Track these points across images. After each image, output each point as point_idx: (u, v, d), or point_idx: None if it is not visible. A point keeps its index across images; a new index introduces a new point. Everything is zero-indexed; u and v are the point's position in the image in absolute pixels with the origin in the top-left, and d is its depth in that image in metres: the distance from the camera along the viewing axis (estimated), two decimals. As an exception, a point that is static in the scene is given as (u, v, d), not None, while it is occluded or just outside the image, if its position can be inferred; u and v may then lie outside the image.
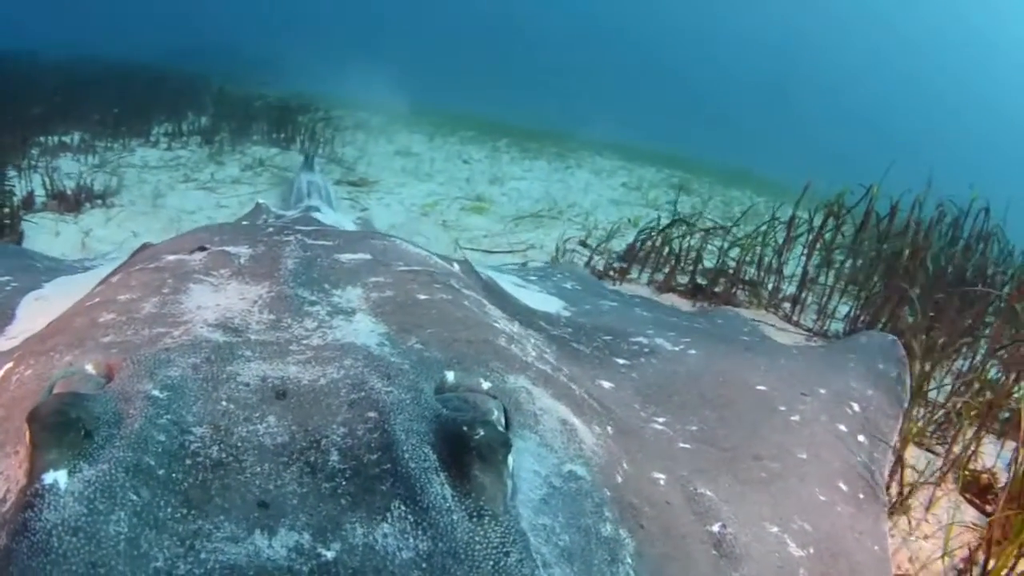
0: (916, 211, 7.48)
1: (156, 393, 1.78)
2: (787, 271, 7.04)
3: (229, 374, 1.92)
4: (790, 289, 6.95)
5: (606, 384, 2.98)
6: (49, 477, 1.52)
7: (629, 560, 1.79)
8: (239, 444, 1.68)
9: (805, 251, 6.98)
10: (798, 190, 7.58)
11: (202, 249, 2.95)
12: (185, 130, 13.14)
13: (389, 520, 1.51)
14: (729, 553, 2.08)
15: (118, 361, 1.97)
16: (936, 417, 4.45)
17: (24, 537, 1.44)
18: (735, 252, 7.19)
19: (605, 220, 9.57)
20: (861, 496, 2.54)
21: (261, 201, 6.24)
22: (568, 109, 25.16)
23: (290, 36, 37.31)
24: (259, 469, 1.63)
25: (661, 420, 2.78)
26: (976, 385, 4.73)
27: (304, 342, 2.15)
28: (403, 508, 1.53)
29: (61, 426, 1.59)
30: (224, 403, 1.80)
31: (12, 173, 8.61)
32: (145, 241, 3.87)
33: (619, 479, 2.06)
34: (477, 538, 1.52)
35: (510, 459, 1.71)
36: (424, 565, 1.45)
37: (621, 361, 3.31)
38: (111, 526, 1.46)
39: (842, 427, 2.94)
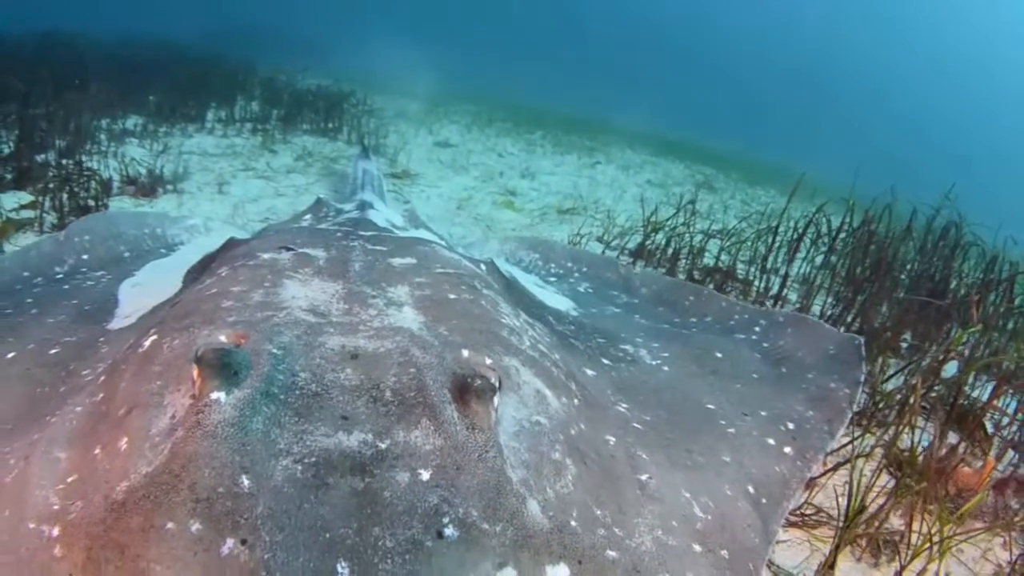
0: (888, 219, 8.25)
1: (275, 351, 2.74)
2: (787, 271, 7.86)
3: (320, 342, 2.88)
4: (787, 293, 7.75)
5: (590, 372, 3.89)
6: (214, 395, 2.48)
7: (570, 478, 2.74)
8: (328, 383, 2.65)
9: (803, 254, 7.84)
10: (826, 190, 8.42)
11: (288, 249, 3.94)
12: (237, 116, 14.11)
13: (419, 428, 2.48)
14: (650, 495, 2.95)
15: (244, 333, 2.91)
16: (878, 403, 5.21)
17: (198, 428, 2.40)
18: (735, 252, 8.04)
19: (625, 217, 10.39)
20: (764, 501, 3.22)
21: (321, 196, 7.13)
22: (606, 100, 25.78)
23: (328, 18, 38.14)
24: (341, 399, 2.59)
25: (624, 405, 3.64)
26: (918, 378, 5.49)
27: (369, 324, 3.12)
28: (427, 422, 2.50)
29: (220, 366, 2.56)
30: (318, 360, 2.76)
31: (85, 159, 9.57)
32: (231, 236, 4.79)
33: (573, 432, 3.00)
34: (471, 440, 2.50)
35: (495, 400, 2.67)
36: (438, 452, 2.43)
37: (606, 361, 4.19)
38: (252, 424, 2.41)
39: (771, 441, 3.62)
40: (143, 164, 9.34)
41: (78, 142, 10.23)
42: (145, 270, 5.31)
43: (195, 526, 2.18)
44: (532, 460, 2.70)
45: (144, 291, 4.63)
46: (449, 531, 2.24)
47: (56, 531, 2.33)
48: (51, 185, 7.73)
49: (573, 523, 2.55)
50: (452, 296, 3.60)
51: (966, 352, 5.65)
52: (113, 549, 2.22)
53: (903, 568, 3.41)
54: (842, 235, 8.20)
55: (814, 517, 4.04)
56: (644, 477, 3.04)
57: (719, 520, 3.00)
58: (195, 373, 2.59)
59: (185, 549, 2.15)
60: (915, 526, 3.90)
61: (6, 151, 9.16)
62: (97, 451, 2.62)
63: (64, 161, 9.21)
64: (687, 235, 8.52)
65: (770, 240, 8.07)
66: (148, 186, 8.87)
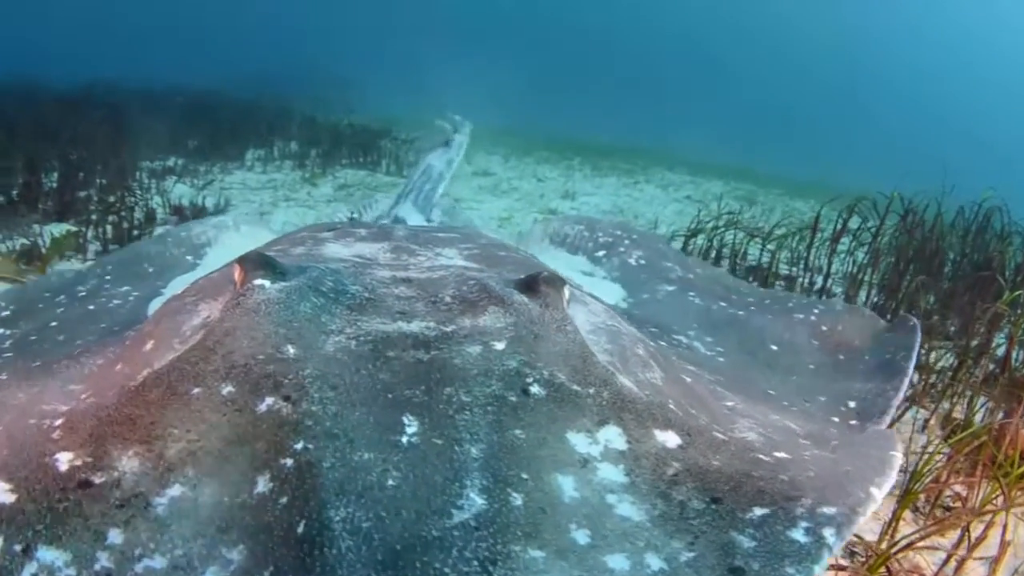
0: (937, 212, 8.15)
1: (323, 268, 2.58)
2: (833, 268, 7.79)
3: (368, 272, 2.75)
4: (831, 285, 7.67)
5: (649, 342, 3.72)
6: (258, 281, 2.35)
7: (657, 375, 2.53)
8: (382, 292, 2.50)
9: (844, 246, 7.71)
10: (867, 198, 8.36)
11: (330, 230, 3.96)
12: (276, 155, 14.28)
13: (487, 314, 2.32)
14: (740, 413, 2.76)
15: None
16: (932, 382, 5.08)
17: (238, 308, 2.26)
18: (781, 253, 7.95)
19: (666, 227, 10.31)
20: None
21: (354, 216, 7.10)
22: (643, 127, 25.83)
23: (368, 61, 38.77)
24: (397, 303, 2.43)
25: (691, 368, 3.44)
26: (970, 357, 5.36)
27: (419, 266, 3.04)
28: (496, 308, 2.33)
29: (264, 262, 2.44)
30: (368, 280, 2.61)
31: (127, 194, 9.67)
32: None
33: (652, 348, 2.82)
34: (546, 315, 2.33)
35: (566, 291, 2.52)
36: (512, 327, 2.26)
37: (662, 343, 3.99)
38: (301, 307, 2.27)
39: (835, 419, 3.44)
40: (185, 198, 9.46)
41: (121, 178, 10.34)
42: (172, 284, 5.01)
43: (226, 389, 2.00)
44: (615, 350, 2.49)
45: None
46: (535, 389, 2.06)
47: (59, 421, 2.13)
48: (94, 217, 7.80)
49: (671, 405, 2.31)
50: (502, 254, 3.53)
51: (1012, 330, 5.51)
52: (123, 423, 2.00)
53: (968, 525, 3.24)
54: (887, 223, 8.12)
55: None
56: (729, 404, 2.85)
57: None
58: (237, 272, 2.46)
59: (212, 411, 1.96)
60: (977, 492, 3.80)
61: (48, 187, 9.28)
62: (119, 367, 2.42)
63: (106, 196, 9.31)
64: (729, 235, 8.44)
65: (810, 238, 7.97)
66: (190, 215, 8.94)
